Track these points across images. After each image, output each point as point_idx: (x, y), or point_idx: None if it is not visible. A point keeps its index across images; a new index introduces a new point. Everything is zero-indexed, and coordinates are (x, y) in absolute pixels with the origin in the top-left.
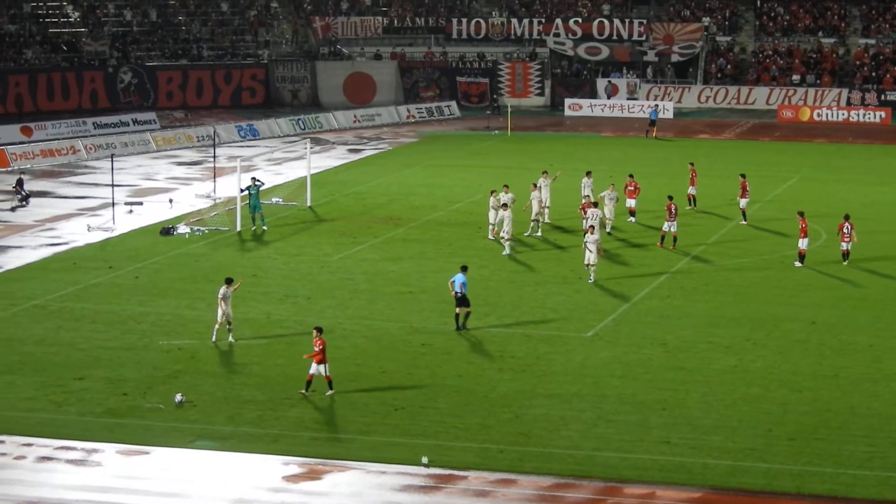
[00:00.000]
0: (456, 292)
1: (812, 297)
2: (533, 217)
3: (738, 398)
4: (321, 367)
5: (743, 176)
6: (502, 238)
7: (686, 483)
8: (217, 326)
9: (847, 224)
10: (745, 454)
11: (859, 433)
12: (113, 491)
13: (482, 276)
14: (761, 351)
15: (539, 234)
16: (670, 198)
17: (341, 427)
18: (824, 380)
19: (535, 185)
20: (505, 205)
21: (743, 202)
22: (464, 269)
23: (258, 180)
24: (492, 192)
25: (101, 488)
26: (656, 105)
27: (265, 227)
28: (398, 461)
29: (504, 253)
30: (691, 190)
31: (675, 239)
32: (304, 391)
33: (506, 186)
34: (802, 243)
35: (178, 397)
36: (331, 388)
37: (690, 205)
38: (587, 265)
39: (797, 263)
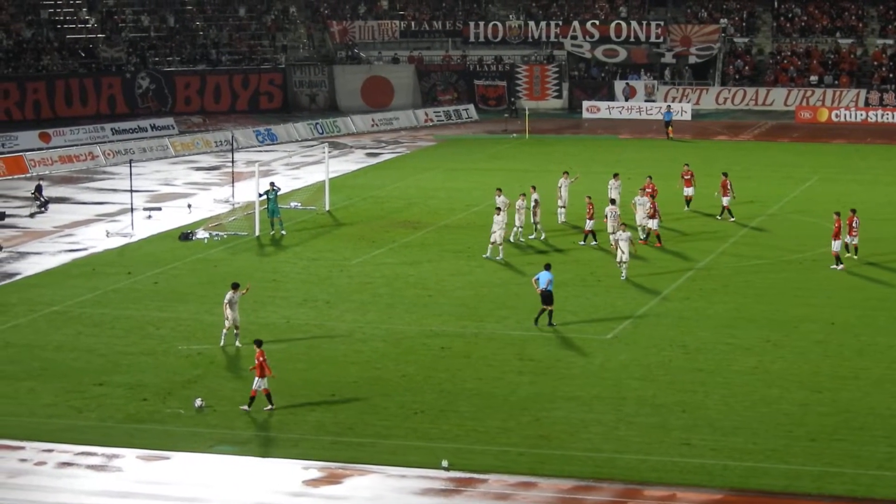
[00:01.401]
0: (542, 289)
1: (831, 298)
2: (534, 220)
3: (757, 399)
4: (261, 381)
5: (725, 174)
6: (495, 242)
7: (706, 485)
8: (225, 331)
9: (855, 218)
10: (766, 455)
11: (879, 434)
12: (133, 496)
13: (501, 280)
14: (781, 352)
15: (543, 236)
16: (652, 196)
17: (361, 431)
18: (844, 381)
19: (534, 188)
20: (499, 209)
21: (725, 200)
22: (547, 266)
23: (275, 185)
24: (521, 195)
25: (121, 493)
26: (669, 106)
27: (284, 232)
28: (418, 465)
29: (485, 255)
30: (689, 191)
31: (658, 236)
32: (246, 407)
33: (498, 190)
34: (836, 245)
35: (198, 402)
36: (270, 404)
37: (687, 207)
38: (619, 262)
39: (834, 266)
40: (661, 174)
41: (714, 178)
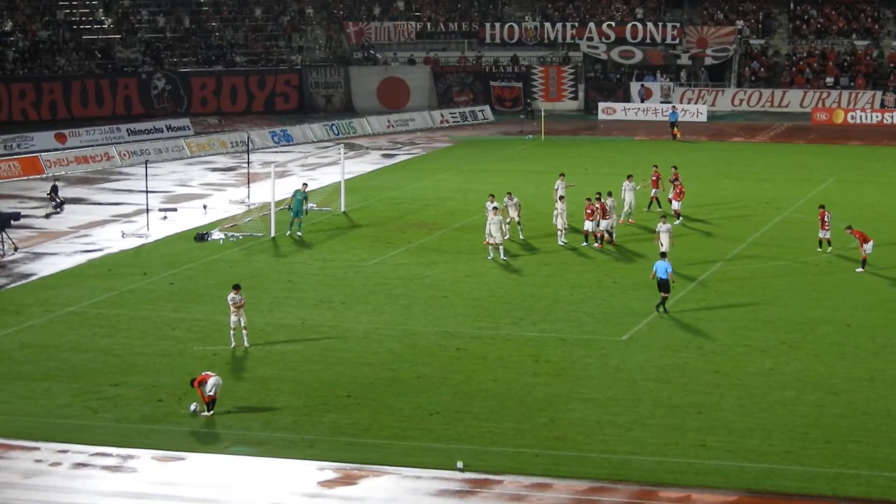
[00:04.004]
0: (661, 278)
1: (847, 300)
2: (517, 220)
3: (773, 401)
4: (212, 385)
5: (675, 168)
6: (494, 243)
7: (722, 486)
8: (232, 332)
9: (827, 213)
10: (781, 457)
11: (895, 436)
12: (149, 497)
13: (517, 281)
14: (797, 354)
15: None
16: (609, 194)
17: (376, 432)
18: (860, 382)
19: (510, 195)
20: (496, 208)
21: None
22: (663, 255)
23: (307, 187)
24: (561, 198)
25: (136, 494)
26: (673, 106)
27: (300, 234)
28: (433, 466)
29: (489, 258)
30: (654, 192)
31: (604, 237)
32: (206, 412)
33: (491, 196)
34: (868, 247)
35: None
36: (209, 410)
37: (648, 209)
38: (662, 253)
39: (859, 269)
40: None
41: (736, 179)
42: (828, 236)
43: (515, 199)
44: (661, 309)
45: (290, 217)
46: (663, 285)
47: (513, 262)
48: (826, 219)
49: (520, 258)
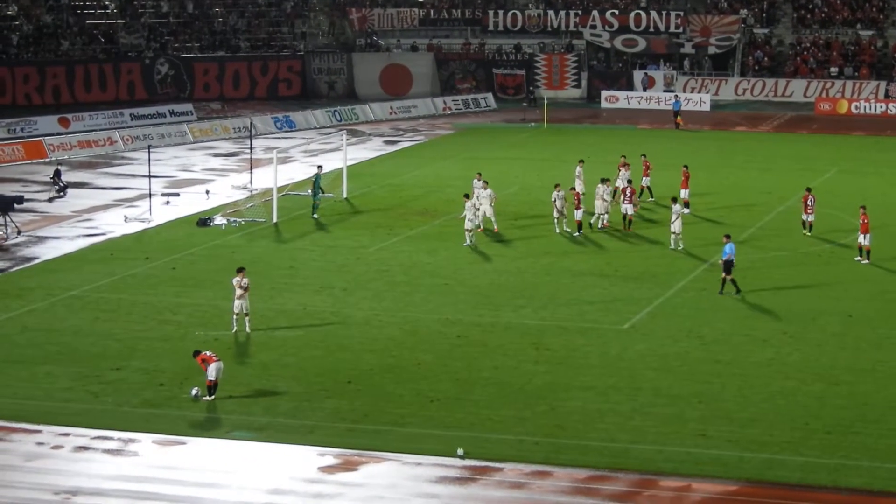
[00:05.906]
0: (724, 259)
1: (849, 291)
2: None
3: (774, 391)
4: (214, 369)
5: (644, 156)
6: (467, 230)
7: (722, 476)
8: (235, 317)
9: (811, 196)
10: (782, 447)
11: None
12: (149, 481)
13: (518, 269)
14: (798, 344)
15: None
16: (629, 181)
17: (377, 418)
18: (861, 373)
19: (479, 174)
20: (467, 195)
21: (645, 181)
22: (727, 237)
23: (321, 168)
24: (556, 185)
25: (137, 478)
26: (676, 95)
27: (316, 216)
28: (434, 453)
29: (465, 244)
30: (644, 181)
31: (630, 221)
32: (208, 396)
33: (485, 182)
34: (864, 238)
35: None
36: (210, 395)
37: (651, 197)
38: (673, 233)
39: (857, 258)
40: (676, 165)
41: (736, 169)
42: (811, 219)
43: (481, 182)
44: (736, 291)
45: (312, 201)
46: (727, 266)
47: (514, 249)
48: (809, 202)
49: (521, 246)
